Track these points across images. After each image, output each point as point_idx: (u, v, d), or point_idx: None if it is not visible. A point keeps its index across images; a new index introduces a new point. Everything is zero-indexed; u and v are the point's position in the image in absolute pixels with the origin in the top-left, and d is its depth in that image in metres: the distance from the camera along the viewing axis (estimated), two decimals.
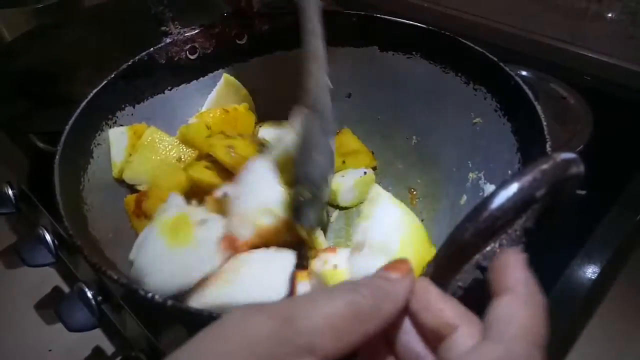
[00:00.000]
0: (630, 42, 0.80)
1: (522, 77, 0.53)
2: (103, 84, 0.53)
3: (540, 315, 0.24)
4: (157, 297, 0.34)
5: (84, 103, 0.50)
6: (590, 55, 0.83)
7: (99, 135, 0.52)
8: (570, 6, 0.84)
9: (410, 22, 0.61)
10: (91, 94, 0.51)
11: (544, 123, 0.45)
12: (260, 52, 0.65)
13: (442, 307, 0.26)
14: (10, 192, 0.72)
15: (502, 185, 0.26)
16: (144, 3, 0.58)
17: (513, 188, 0.25)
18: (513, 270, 0.25)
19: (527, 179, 0.25)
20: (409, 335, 0.26)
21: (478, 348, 0.23)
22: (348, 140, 0.65)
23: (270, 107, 0.67)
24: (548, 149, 0.43)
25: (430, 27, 0.60)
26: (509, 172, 0.50)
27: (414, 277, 0.27)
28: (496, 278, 0.25)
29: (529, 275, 0.25)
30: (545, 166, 0.26)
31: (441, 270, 0.27)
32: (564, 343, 0.49)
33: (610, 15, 0.84)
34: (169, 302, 0.34)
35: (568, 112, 0.74)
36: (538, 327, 0.23)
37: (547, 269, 0.45)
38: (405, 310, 0.26)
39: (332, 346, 0.23)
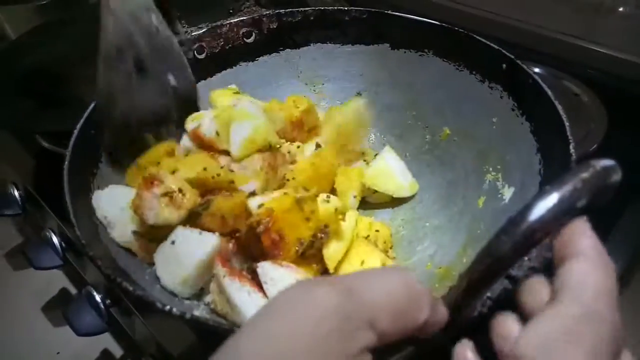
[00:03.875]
0: None
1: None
2: None
3: (613, 278, 0.24)
4: (174, 309, 0.33)
5: (91, 106, 0.49)
6: (603, 50, 0.81)
7: None
8: (582, 0, 0.82)
9: (423, 19, 0.60)
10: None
11: (566, 123, 0.44)
12: (269, 51, 0.64)
13: None
14: (16, 193, 0.71)
15: (540, 195, 0.25)
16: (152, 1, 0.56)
17: (553, 198, 0.24)
18: (583, 236, 0.25)
19: (568, 188, 0.24)
20: None
21: (555, 307, 0.23)
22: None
23: None
24: (571, 150, 0.42)
25: (443, 24, 0.58)
26: (529, 173, 0.49)
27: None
28: (564, 244, 0.25)
29: (598, 240, 0.25)
30: (585, 174, 0.24)
31: (475, 283, 0.26)
32: None
33: (622, 9, 0.82)
34: (187, 315, 0.33)
35: (581, 110, 0.73)
36: (613, 286, 0.23)
37: None
38: None
39: (389, 325, 0.23)
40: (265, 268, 0.42)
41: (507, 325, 0.26)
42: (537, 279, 0.26)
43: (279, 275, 0.42)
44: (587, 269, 0.24)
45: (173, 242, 0.44)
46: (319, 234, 0.45)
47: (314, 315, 0.21)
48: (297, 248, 0.43)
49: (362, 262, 0.48)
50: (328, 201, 0.48)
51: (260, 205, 0.44)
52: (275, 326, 0.21)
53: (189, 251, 0.43)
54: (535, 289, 0.26)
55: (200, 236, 0.44)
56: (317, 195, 0.47)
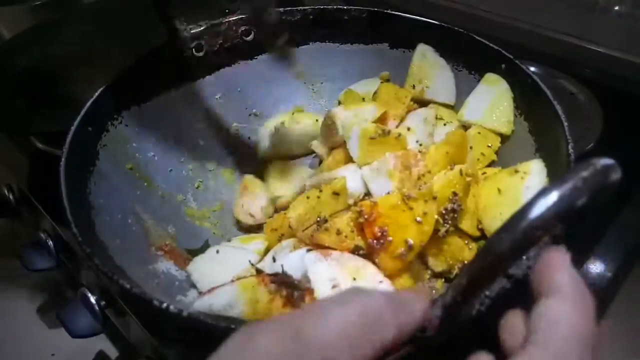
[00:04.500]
0: (639, 36, 0.79)
1: None
2: (108, 83, 0.51)
3: (588, 316, 0.22)
4: (172, 307, 0.33)
5: (89, 103, 0.48)
6: (599, 49, 0.81)
7: (104, 136, 0.50)
8: None
9: (422, 19, 0.60)
10: (96, 94, 0.50)
11: (565, 123, 0.44)
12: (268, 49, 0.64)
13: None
14: (10, 195, 0.70)
15: (540, 193, 0.25)
16: None
17: (553, 197, 0.24)
18: (559, 271, 0.23)
19: (568, 186, 0.24)
20: None
21: (524, 352, 0.22)
22: None
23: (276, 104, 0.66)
24: (570, 150, 0.42)
25: (442, 24, 0.59)
26: None
27: (429, 304, 0.26)
28: (541, 279, 0.24)
29: (576, 275, 0.23)
30: (585, 173, 0.24)
31: (474, 282, 0.26)
32: None
33: (617, 8, 0.82)
34: (185, 313, 0.33)
35: (577, 109, 0.73)
36: (587, 328, 0.22)
37: None
38: None
39: (347, 357, 0.21)
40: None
41: None
42: (515, 314, 0.25)
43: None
44: (560, 309, 0.22)
45: (217, 252, 0.47)
46: (449, 207, 0.43)
47: None
48: (402, 251, 0.41)
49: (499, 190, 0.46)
50: (451, 168, 0.46)
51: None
52: None
53: (233, 261, 0.45)
54: (513, 327, 0.24)
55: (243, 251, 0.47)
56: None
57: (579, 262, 0.54)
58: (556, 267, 0.24)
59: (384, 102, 0.58)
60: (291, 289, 0.40)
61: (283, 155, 0.62)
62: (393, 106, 0.57)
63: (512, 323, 0.24)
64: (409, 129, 0.55)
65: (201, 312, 0.38)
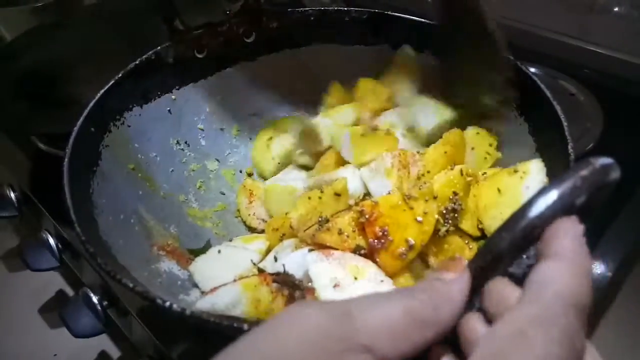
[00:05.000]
0: (638, 37, 0.79)
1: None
2: (110, 84, 0.51)
3: (582, 278, 0.22)
4: (175, 306, 0.33)
5: (91, 104, 0.49)
6: (598, 50, 0.82)
7: (107, 136, 0.51)
8: (576, 0, 0.83)
9: (422, 20, 0.60)
10: (99, 95, 0.50)
11: (565, 123, 0.44)
12: (269, 50, 0.64)
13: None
14: (12, 194, 0.71)
15: (540, 192, 0.25)
16: (147, 0, 0.56)
17: (552, 195, 0.24)
18: (564, 237, 0.23)
19: (567, 185, 0.24)
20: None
21: (512, 310, 0.22)
22: None
23: (277, 106, 0.66)
24: (570, 150, 0.42)
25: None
26: None
27: (469, 275, 0.26)
28: (545, 244, 0.24)
29: (581, 243, 0.23)
30: (584, 172, 0.25)
31: (474, 280, 0.26)
32: None
33: (617, 9, 0.83)
34: (187, 312, 0.33)
35: (577, 109, 0.74)
36: (579, 288, 0.22)
37: None
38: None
39: (389, 349, 0.22)
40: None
41: (472, 327, 0.25)
42: (502, 281, 0.25)
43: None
44: (555, 269, 0.23)
45: (219, 252, 0.46)
46: (450, 206, 0.44)
47: (299, 335, 0.22)
48: (403, 250, 0.41)
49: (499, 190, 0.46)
50: (451, 168, 0.47)
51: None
52: (261, 343, 0.22)
53: (234, 261, 0.45)
54: (495, 292, 0.25)
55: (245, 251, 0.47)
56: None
57: None
58: (561, 234, 0.24)
59: (360, 98, 0.59)
60: (293, 289, 0.41)
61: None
62: (369, 100, 0.58)
63: (495, 289, 0.25)
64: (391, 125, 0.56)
65: (204, 311, 0.38)
